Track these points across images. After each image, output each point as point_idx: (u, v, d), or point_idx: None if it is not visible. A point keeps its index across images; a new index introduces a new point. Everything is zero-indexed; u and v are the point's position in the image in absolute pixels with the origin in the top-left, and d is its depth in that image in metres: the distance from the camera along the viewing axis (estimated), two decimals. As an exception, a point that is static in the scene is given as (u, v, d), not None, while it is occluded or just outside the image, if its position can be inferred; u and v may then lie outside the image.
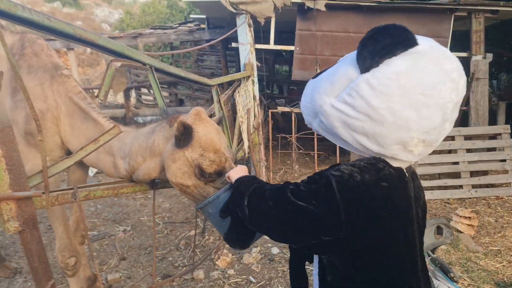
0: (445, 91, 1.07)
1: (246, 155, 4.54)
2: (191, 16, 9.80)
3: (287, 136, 5.69)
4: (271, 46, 5.41)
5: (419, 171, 5.18)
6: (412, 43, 1.06)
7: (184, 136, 1.70)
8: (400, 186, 1.17)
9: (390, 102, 1.04)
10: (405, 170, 1.21)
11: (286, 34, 5.57)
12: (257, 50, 5.39)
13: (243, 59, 5.15)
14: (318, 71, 5.03)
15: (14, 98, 2.37)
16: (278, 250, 3.69)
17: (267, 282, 3.19)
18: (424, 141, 1.11)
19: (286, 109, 5.78)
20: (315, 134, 5.57)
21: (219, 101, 3.35)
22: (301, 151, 5.66)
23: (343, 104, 1.10)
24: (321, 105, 1.14)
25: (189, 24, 8.28)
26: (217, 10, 5.79)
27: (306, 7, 5.08)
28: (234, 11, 4.94)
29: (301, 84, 8.35)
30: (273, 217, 1.19)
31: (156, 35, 7.04)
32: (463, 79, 1.11)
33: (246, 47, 5.12)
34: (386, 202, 1.12)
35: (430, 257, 2.46)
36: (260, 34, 5.89)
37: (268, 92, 9.62)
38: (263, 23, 5.09)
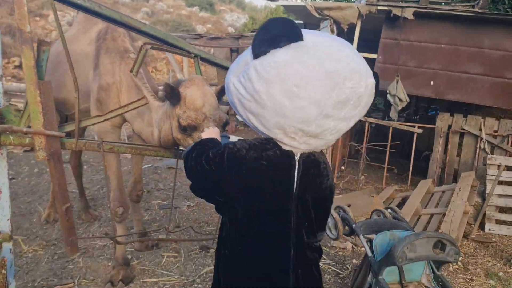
0: (320, 87, 1.15)
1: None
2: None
3: (356, 145, 5.61)
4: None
5: (501, 202, 4.61)
6: (296, 37, 1.17)
7: (170, 95, 2.06)
8: (281, 167, 1.29)
9: (270, 88, 1.17)
10: (297, 156, 1.30)
11: (374, 43, 5.49)
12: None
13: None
14: (398, 82, 4.87)
15: (94, 72, 3.02)
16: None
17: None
18: (303, 131, 1.21)
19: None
20: (388, 147, 5.38)
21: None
22: (370, 162, 5.51)
23: (239, 84, 1.25)
24: (228, 83, 1.32)
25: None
26: (308, 16, 6.01)
27: (392, 15, 4.96)
28: (318, 16, 5.11)
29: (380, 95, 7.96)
30: (193, 173, 1.43)
31: (251, 37, 7.60)
32: (354, 81, 1.17)
33: (326, 52, 5.22)
34: (262, 178, 1.27)
35: (433, 274, 2.34)
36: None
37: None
38: (346, 29, 5.14)
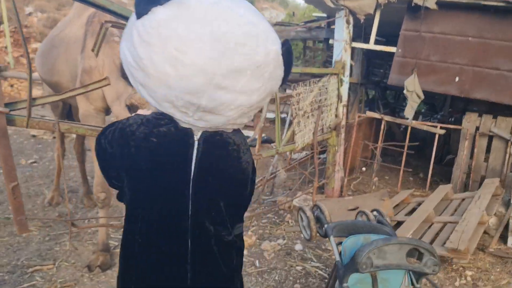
0: (205, 52, 0.98)
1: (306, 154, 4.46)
2: (313, 14, 9.84)
3: (369, 143, 5.27)
4: (370, 45, 5.08)
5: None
6: None
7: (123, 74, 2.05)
8: (176, 147, 1.13)
9: (151, 52, 1.01)
10: (197, 134, 1.15)
11: (394, 37, 5.14)
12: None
13: (335, 56, 5.00)
14: (415, 77, 4.50)
15: (81, 55, 3.01)
16: (301, 248, 3.56)
17: (268, 270, 3.15)
18: (194, 104, 1.04)
19: (376, 115, 5.34)
20: (405, 148, 5.02)
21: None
22: (384, 163, 5.16)
23: (126, 50, 1.09)
24: (120, 50, 1.14)
25: (321, 22, 8.34)
26: (323, 6, 5.73)
27: (413, 4, 4.59)
28: (333, 6, 4.84)
29: (398, 90, 7.45)
30: (95, 154, 1.30)
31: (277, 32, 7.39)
32: (249, 47, 1.00)
33: (341, 44, 4.95)
34: (152, 158, 1.12)
35: (412, 286, 2.09)
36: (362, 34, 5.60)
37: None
38: (362, 20, 4.84)
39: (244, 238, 3.50)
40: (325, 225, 2.28)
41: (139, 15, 1.04)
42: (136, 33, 1.04)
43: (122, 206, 3.42)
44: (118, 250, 3.36)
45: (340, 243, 2.15)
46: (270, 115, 7.76)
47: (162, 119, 1.14)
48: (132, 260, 1.21)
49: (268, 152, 3.67)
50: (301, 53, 10.71)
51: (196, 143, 1.15)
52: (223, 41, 0.98)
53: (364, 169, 6.26)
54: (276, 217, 4.37)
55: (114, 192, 1.56)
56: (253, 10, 1.08)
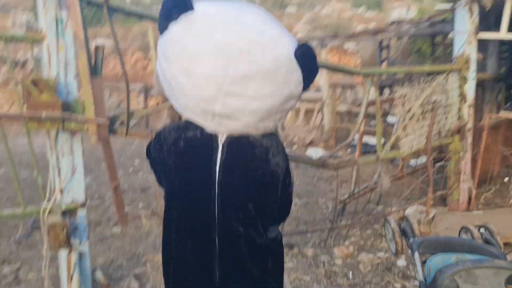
0: (212, 62, 1.04)
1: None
2: (436, 8, 8.72)
3: (507, 149, 4.44)
4: (502, 35, 4.32)
5: None
6: (186, 8, 1.07)
7: None
8: (202, 150, 1.20)
9: (170, 66, 1.11)
10: (221, 138, 1.19)
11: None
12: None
13: (456, 51, 4.41)
14: None
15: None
16: (404, 263, 3.22)
17: (361, 284, 2.95)
18: (210, 111, 1.10)
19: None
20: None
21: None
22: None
23: (157, 65, 1.21)
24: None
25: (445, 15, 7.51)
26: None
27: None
28: (452, -5, 4.31)
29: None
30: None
31: (393, 30, 6.91)
32: (254, 54, 1.02)
33: (463, 37, 4.35)
34: (179, 159, 1.21)
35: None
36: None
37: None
38: (488, 7, 4.17)
39: (340, 248, 3.40)
40: (411, 239, 2.04)
41: (160, 32, 1.15)
42: (160, 49, 1.16)
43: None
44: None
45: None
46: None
47: (190, 125, 1.22)
48: (168, 253, 1.31)
49: (366, 158, 3.45)
50: (429, 50, 9.75)
51: (220, 146, 1.20)
52: (228, 50, 1.03)
53: (507, 179, 5.33)
54: (383, 229, 4.05)
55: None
56: (262, 16, 1.10)
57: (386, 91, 7.55)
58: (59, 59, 2.30)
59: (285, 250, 3.47)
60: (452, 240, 2.02)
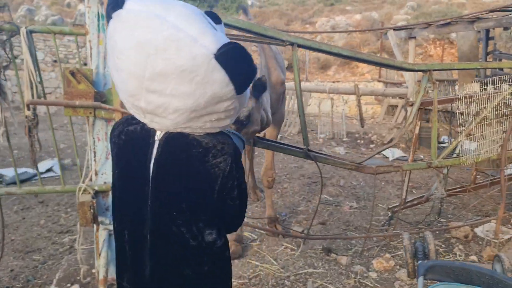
0: (133, 58, 1.06)
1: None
2: None
3: None
4: None
5: None
6: (117, 6, 1.09)
7: None
8: (138, 144, 1.23)
9: (109, 60, 1.18)
10: (158, 134, 1.20)
11: None
12: None
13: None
14: None
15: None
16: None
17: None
18: (137, 106, 1.14)
19: None
20: None
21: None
22: None
23: None
24: None
25: None
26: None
27: None
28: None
29: None
30: None
31: (495, 19, 5.98)
32: (170, 52, 1.02)
33: None
34: (121, 152, 1.27)
35: None
36: None
37: None
38: None
39: (379, 260, 3.14)
40: (419, 262, 1.80)
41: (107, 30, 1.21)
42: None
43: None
44: (252, 243, 3.65)
45: None
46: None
47: (133, 119, 1.26)
48: (115, 242, 1.37)
49: (414, 165, 3.10)
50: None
51: (156, 142, 1.21)
52: (146, 47, 1.04)
53: None
54: (444, 246, 3.63)
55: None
56: (187, 15, 1.07)
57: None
58: (99, 52, 2.52)
59: (322, 254, 3.37)
60: (470, 268, 1.73)
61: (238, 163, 1.27)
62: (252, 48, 3.17)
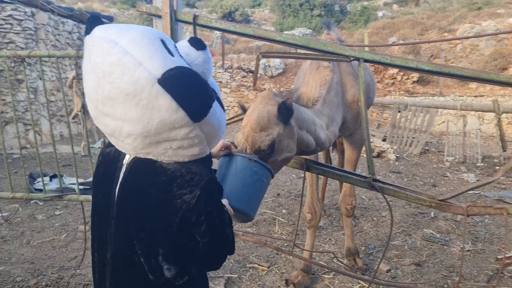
0: (89, 82, 1.09)
1: None
2: None
3: None
4: None
5: None
6: (86, 33, 1.12)
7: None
8: (109, 167, 1.25)
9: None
10: (127, 158, 1.21)
11: None
12: None
13: None
14: None
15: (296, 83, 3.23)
16: None
17: None
18: (102, 129, 1.17)
19: None
20: None
21: None
22: None
23: None
24: None
25: None
26: None
27: None
28: None
29: None
30: None
31: None
32: (115, 76, 1.02)
33: None
34: (97, 173, 1.30)
35: None
36: None
37: None
38: None
39: None
40: None
41: None
42: None
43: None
44: (325, 276, 3.32)
45: None
46: None
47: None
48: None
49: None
50: None
51: (124, 167, 1.20)
52: (96, 71, 1.05)
53: None
54: None
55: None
56: (139, 39, 1.04)
57: None
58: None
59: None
60: None
61: (211, 197, 1.17)
62: (323, 64, 2.95)
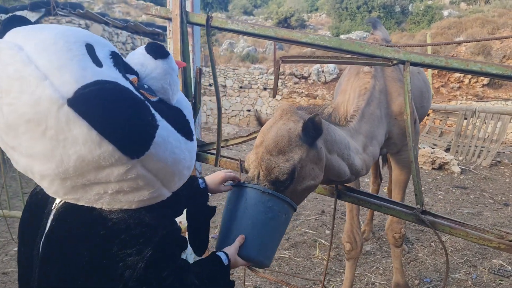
0: None
1: None
2: None
3: None
4: None
5: None
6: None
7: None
8: (35, 211, 0.97)
9: None
10: (58, 202, 0.93)
11: None
12: None
13: None
14: None
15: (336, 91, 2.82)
16: None
17: None
18: (17, 168, 0.86)
19: None
20: None
21: None
22: None
23: None
24: None
25: None
26: None
27: None
28: None
29: None
30: None
31: None
32: (13, 94, 0.73)
33: None
34: (22, 217, 1.02)
35: None
36: None
37: None
38: None
39: None
40: None
41: None
42: None
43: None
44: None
45: None
46: None
47: None
48: None
49: None
50: None
51: (52, 213, 0.92)
52: None
53: None
54: None
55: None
56: (50, 43, 0.76)
57: None
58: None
59: None
60: None
61: (168, 259, 0.86)
62: (364, 70, 2.51)
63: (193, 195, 1.28)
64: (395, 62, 1.92)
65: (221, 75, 14.29)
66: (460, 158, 8.44)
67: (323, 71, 14.99)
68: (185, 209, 1.29)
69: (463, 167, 7.64)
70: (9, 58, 0.74)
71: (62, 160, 0.76)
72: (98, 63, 0.80)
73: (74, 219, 0.88)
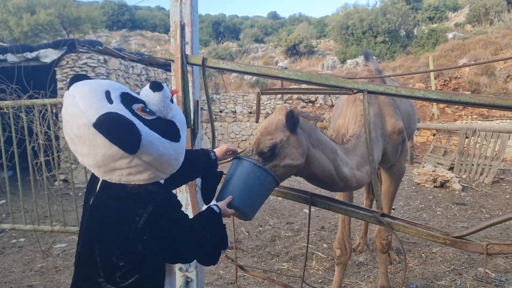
0: (65, 128, 1.35)
1: None
2: None
3: None
4: None
5: None
6: (68, 88, 1.38)
7: None
8: (92, 181, 1.49)
9: None
10: (100, 183, 1.42)
11: None
12: None
13: None
14: None
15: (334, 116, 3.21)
16: None
17: None
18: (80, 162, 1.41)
19: None
20: None
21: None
22: None
23: None
24: None
25: None
26: None
27: None
28: None
29: None
30: None
31: None
32: (67, 122, 1.30)
33: None
34: (87, 185, 1.55)
35: None
36: None
37: None
38: None
39: None
40: None
41: None
42: None
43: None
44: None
45: None
46: None
47: None
48: None
49: None
50: None
51: (99, 183, 1.43)
52: (64, 119, 1.33)
53: None
54: None
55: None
56: (86, 93, 1.30)
57: None
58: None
59: None
60: None
61: (163, 212, 1.36)
62: (360, 97, 2.90)
63: (208, 164, 1.87)
64: (355, 91, 2.34)
65: (231, 101, 14.91)
66: (464, 176, 8.64)
67: (329, 95, 15.44)
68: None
69: (465, 185, 7.84)
70: (68, 102, 1.31)
71: (94, 156, 1.28)
72: (111, 101, 1.32)
73: (108, 187, 1.39)
